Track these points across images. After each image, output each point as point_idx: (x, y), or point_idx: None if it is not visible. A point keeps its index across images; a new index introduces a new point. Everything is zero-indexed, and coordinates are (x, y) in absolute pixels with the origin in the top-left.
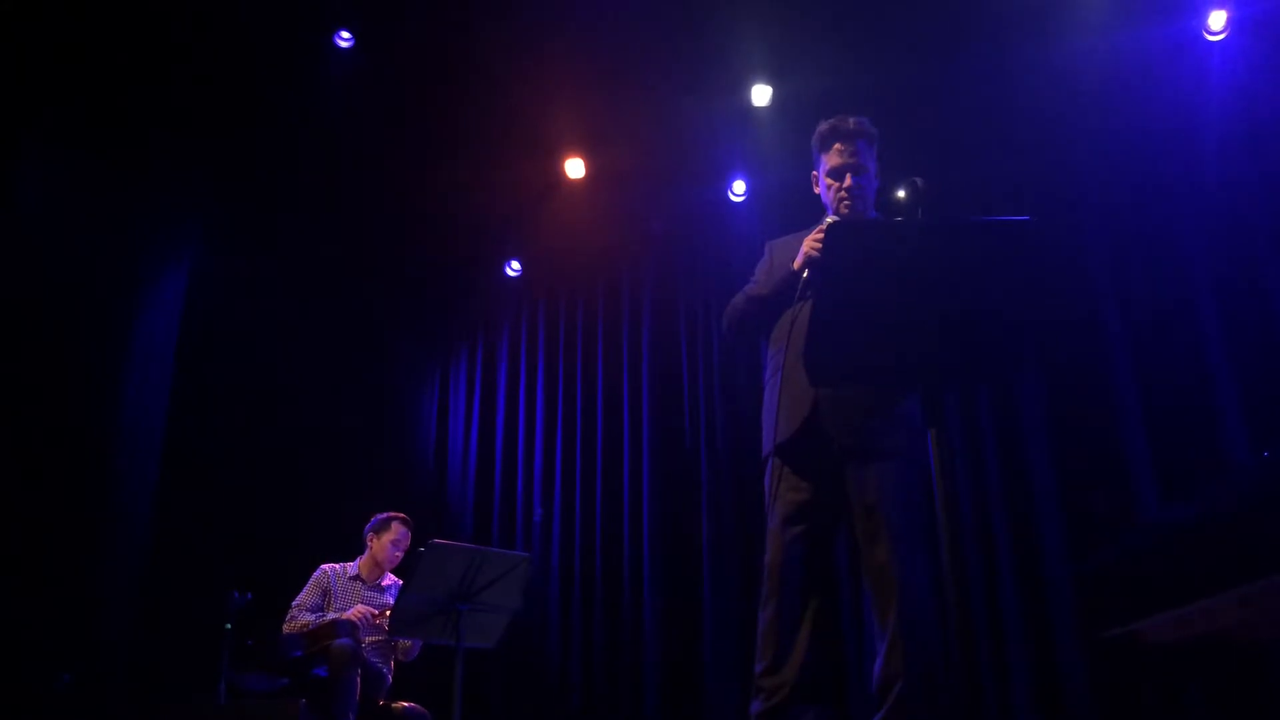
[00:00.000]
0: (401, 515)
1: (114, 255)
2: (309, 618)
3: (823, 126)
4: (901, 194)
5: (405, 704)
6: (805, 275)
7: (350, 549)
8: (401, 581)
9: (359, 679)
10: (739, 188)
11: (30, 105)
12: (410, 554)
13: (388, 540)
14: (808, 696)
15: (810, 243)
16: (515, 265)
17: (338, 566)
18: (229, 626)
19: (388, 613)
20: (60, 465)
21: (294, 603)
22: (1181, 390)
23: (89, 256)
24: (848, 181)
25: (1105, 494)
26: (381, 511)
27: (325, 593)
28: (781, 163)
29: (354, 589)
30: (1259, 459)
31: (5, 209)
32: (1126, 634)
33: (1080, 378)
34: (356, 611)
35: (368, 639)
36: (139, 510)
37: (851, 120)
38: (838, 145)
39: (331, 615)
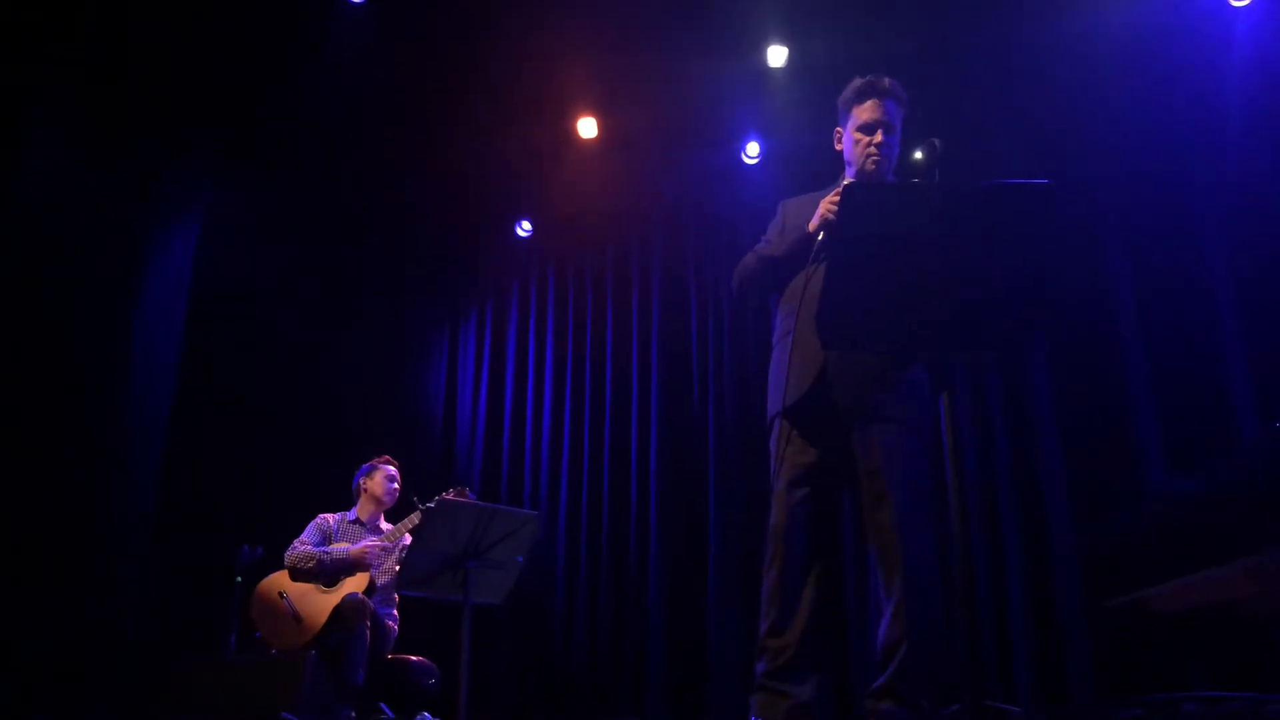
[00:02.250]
0: (384, 456)
1: (124, 207)
2: (312, 549)
3: (857, 82)
4: (919, 155)
5: (413, 658)
6: (820, 238)
7: None
8: (409, 540)
9: (368, 632)
10: (753, 150)
11: (35, 64)
12: (404, 496)
13: (380, 478)
14: (811, 658)
15: (827, 205)
16: (526, 225)
17: (335, 515)
18: (239, 580)
19: (396, 540)
20: (70, 420)
21: (295, 540)
22: (1192, 363)
23: (98, 215)
24: (878, 137)
25: (1113, 465)
26: None
27: (326, 536)
28: (796, 125)
29: (355, 531)
30: (1269, 430)
31: (9, 173)
32: (1131, 601)
33: (1090, 348)
34: (363, 546)
35: (380, 581)
36: (149, 465)
37: (886, 80)
38: (872, 100)
39: (339, 548)
